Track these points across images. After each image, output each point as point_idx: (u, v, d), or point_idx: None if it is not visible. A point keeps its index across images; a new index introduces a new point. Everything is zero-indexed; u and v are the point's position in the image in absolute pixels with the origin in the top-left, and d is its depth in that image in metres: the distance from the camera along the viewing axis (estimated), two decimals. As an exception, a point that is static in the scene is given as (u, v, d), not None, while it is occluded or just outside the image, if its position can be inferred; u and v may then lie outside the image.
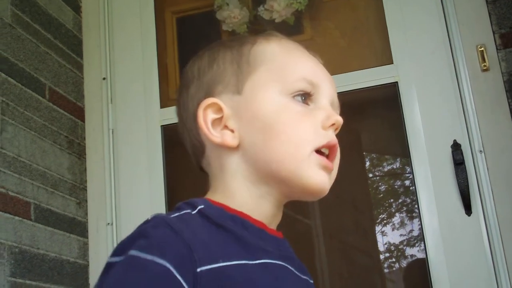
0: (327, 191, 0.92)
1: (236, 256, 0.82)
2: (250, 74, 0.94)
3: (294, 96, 0.92)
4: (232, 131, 0.92)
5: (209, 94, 0.95)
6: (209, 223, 0.86)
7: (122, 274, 0.77)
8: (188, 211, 0.87)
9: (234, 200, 0.91)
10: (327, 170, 0.91)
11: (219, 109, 0.93)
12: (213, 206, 0.89)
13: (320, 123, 0.91)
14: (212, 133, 0.93)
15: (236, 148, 0.92)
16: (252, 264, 0.84)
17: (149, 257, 0.76)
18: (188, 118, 0.98)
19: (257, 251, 0.87)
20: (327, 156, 0.92)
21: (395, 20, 2.14)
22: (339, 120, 0.93)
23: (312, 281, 0.97)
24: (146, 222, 0.83)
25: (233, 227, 0.87)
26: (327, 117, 0.92)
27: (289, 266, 0.90)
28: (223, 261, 0.80)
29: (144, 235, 0.80)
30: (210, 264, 0.79)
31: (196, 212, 0.87)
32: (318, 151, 0.90)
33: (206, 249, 0.80)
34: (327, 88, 0.95)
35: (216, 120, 0.93)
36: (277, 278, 0.86)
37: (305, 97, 0.92)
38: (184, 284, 0.76)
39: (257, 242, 0.88)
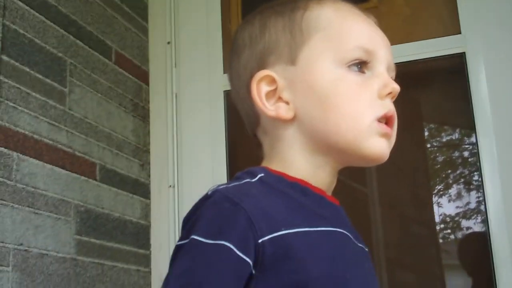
0: (386, 158, 0.91)
1: (297, 224, 0.83)
2: (304, 44, 0.92)
3: (350, 66, 0.90)
4: (287, 102, 0.91)
5: (261, 64, 0.93)
6: (270, 191, 0.86)
7: (187, 261, 0.79)
8: (248, 180, 0.87)
9: (292, 169, 0.91)
10: (387, 136, 0.90)
11: (273, 81, 0.92)
12: (273, 174, 0.90)
13: (377, 92, 0.90)
14: (267, 107, 0.92)
15: (292, 119, 0.91)
16: (314, 231, 0.85)
17: (210, 241, 0.78)
18: (241, 87, 0.97)
19: (318, 218, 0.87)
20: (386, 124, 0.91)
21: (465, -12, 2.09)
22: (396, 88, 0.91)
23: (367, 249, 0.97)
24: (207, 197, 0.84)
25: (294, 195, 0.88)
26: (384, 86, 0.90)
27: (348, 234, 0.90)
28: (285, 229, 0.81)
29: (205, 216, 0.81)
30: (271, 233, 0.80)
31: (257, 180, 0.87)
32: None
33: (267, 217, 0.81)
34: (383, 53, 0.93)
35: (270, 92, 0.92)
36: (338, 245, 0.87)
37: (361, 65, 0.91)
38: (247, 259, 0.78)
39: (318, 209, 0.89)
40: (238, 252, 0.78)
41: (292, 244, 0.80)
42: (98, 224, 1.93)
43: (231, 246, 0.78)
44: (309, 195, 0.89)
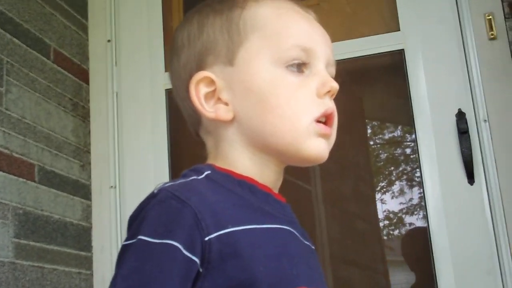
0: (326, 158, 0.92)
1: (244, 221, 0.83)
2: (242, 44, 0.91)
3: (287, 66, 0.89)
4: (226, 103, 0.91)
5: (200, 65, 0.93)
6: (217, 188, 0.86)
7: (134, 262, 0.78)
8: (195, 177, 0.87)
9: (237, 167, 0.91)
10: (326, 137, 0.90)
11: (212, 82, 0.91)
12: (220, 172, 0.89)
13: (315, 91, 0.89)
14: (206, 109, 0.91)
15: (232, 120, 0.91)
16: (261, 228, 0.85)
17: (157, 240, 0.78)
18: (181, 87, 0.96)
19: (264, 215, 0.87)
20: (325, 123, 0.91)
21: (403, -13, 2.12)
22: (335, 86, 0.91)
23: (313, 247, 0.97)
24: (152, 195, 0.83)
25: (241, 192, 0.88)
26: (322, 85, 0.90)
27: (294, 231, 0.90)
28: (232, 226, 0.81)
29: (151, 215, 0.80)
30: (218, 230, 0.79)
31: (203, 177, 0.87)
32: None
33: (214, 214, 0.80)
34: (322, 50, 0.92)
35: (210, 93, 0.91)
36: (284, 243, 0.87)
37: (300, 65, 0.90)
38: (194, 258, 0.78)
39: (265, 206, 0.89)
40: (185, 252, 0.77)
41: (238, 242, 0.80)
42: (37, 226, 1.89)
43: (178, 245, 0.77)
44: (256, 192, 0.89)
